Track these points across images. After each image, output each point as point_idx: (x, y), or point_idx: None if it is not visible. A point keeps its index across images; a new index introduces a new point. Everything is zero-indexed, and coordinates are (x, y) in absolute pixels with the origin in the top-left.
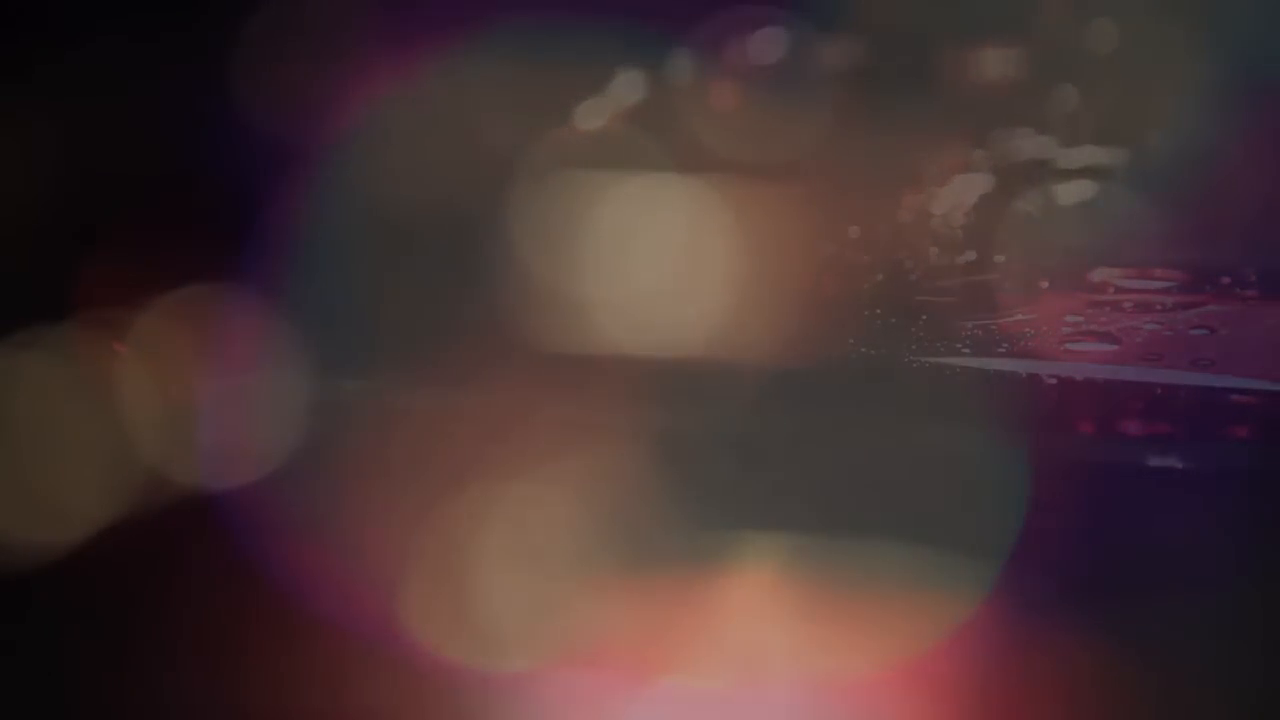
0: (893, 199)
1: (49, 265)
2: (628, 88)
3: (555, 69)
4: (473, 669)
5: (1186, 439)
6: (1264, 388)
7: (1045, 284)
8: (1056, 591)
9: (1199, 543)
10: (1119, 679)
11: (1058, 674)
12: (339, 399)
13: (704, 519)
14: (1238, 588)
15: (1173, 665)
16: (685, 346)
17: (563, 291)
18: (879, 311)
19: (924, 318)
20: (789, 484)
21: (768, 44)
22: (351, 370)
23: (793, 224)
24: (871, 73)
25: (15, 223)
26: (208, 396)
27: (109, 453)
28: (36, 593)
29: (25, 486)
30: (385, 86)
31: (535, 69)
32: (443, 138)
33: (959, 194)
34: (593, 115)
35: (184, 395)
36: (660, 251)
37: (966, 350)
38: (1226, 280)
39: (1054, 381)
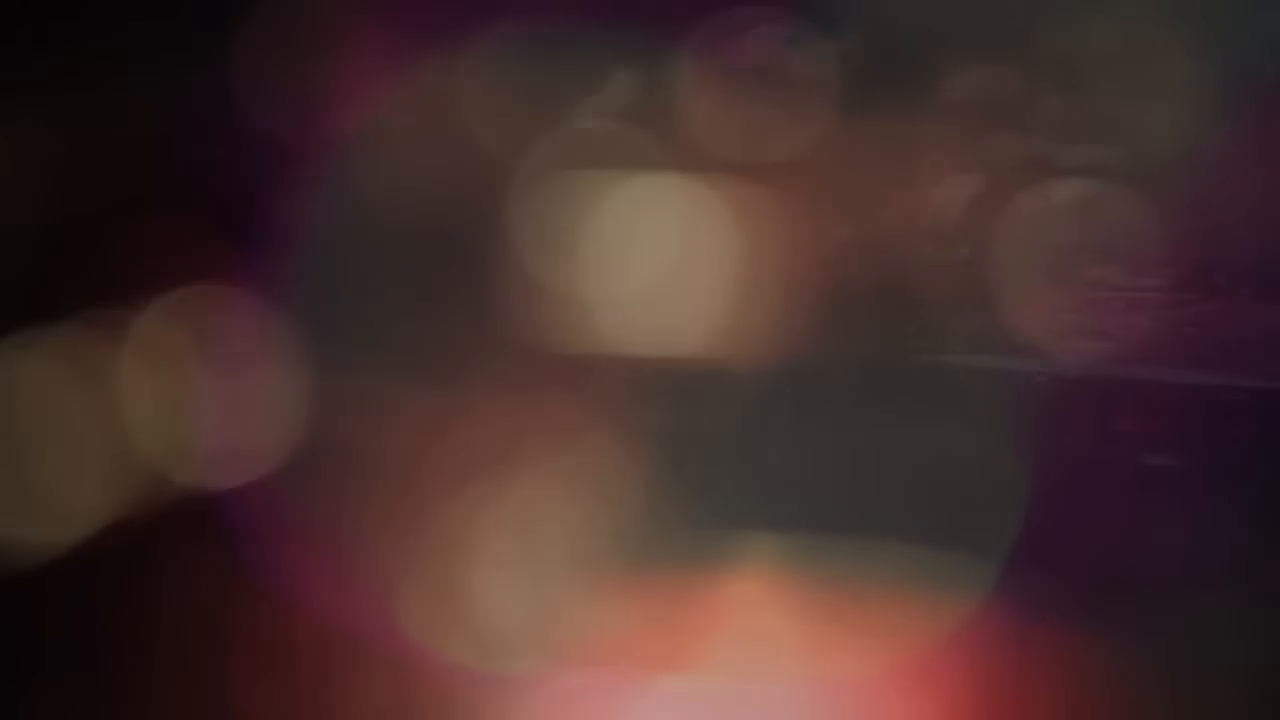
0: (891, 197)
1: (48, 265)
2: (626, 86)
3: (554, 67)
4: (473, 669)
5: (1184, 437)
6: (1258, 385)
7: (1042, 281)
8: (1056, 591)
9: (1198, 541)
10: (1118, 678)
11: (1057, 673)
12: (338, 398)
13: (704, 519)
14: (1235, 586)
15: (1172, 664)
16: (684, 346)
17: (562, 291)
18: (878, 310)
19: (922, 316)
20: (788, 483)
21: (764, 42)
22: (350, 369)
23: (790, 222)
24: (867, 71)
25: (14, 223)
26: (207, 396)
27: (109, 453)
28: (36, 593)
29: (25, 486)
30: (384, 85)
31: (533, 67)
32: (441, 137)
33: (956, 191)
34: (591, 114)
35: (184, 395)
36: (658, 251)
37: (966, 348)
38: (1219, 278)
39: (1054, 378)
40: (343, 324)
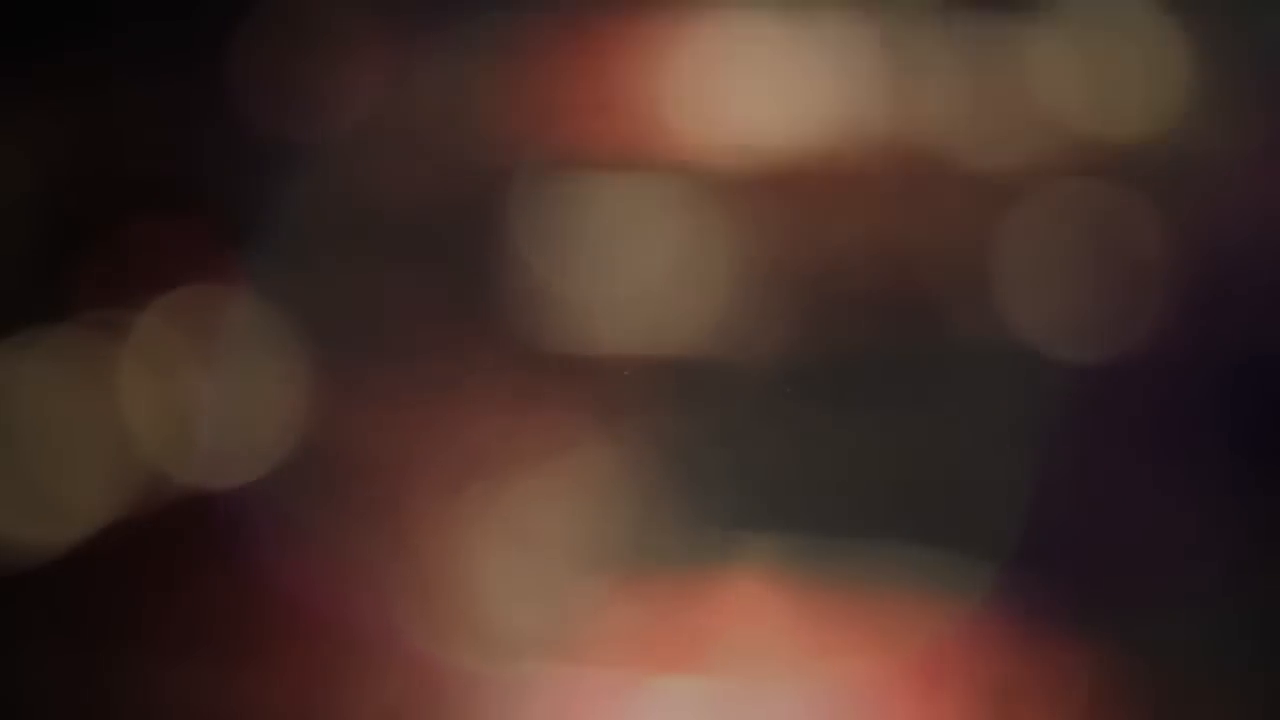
0: (893, 193)
1: (49, 266)
2: (625, 84)
3: (553, 66)
4: (473, 669)
5: (1187, 437)
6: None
7: (1046, 278)
8: (1056, 591)
9: (1200, 541)
10: (1119, 679)
11: (1057, 673)
12: (337, 398)
13: (704, 519)
14: (1236, 587)
15: (1172, 665)
16: (684, 347)
17: (561, 291)
18: (878, 309)
19: (922, 315)
20: (788, 483)
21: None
22: (349, 370)
23: (789, 220)
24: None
25: (14, 223)
26: (207, 396)
27: (109, 453)
28: (36, 593)
29: (25, 486)
30: (383, 84)
31: (532, 66)
32: (440, 136)
33: (957, 188)
34: (589, 112)
35: (183, 395)
36: (657, 250)
37: (967, 347)
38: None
39: (1056, 377)
40: (342, 324)
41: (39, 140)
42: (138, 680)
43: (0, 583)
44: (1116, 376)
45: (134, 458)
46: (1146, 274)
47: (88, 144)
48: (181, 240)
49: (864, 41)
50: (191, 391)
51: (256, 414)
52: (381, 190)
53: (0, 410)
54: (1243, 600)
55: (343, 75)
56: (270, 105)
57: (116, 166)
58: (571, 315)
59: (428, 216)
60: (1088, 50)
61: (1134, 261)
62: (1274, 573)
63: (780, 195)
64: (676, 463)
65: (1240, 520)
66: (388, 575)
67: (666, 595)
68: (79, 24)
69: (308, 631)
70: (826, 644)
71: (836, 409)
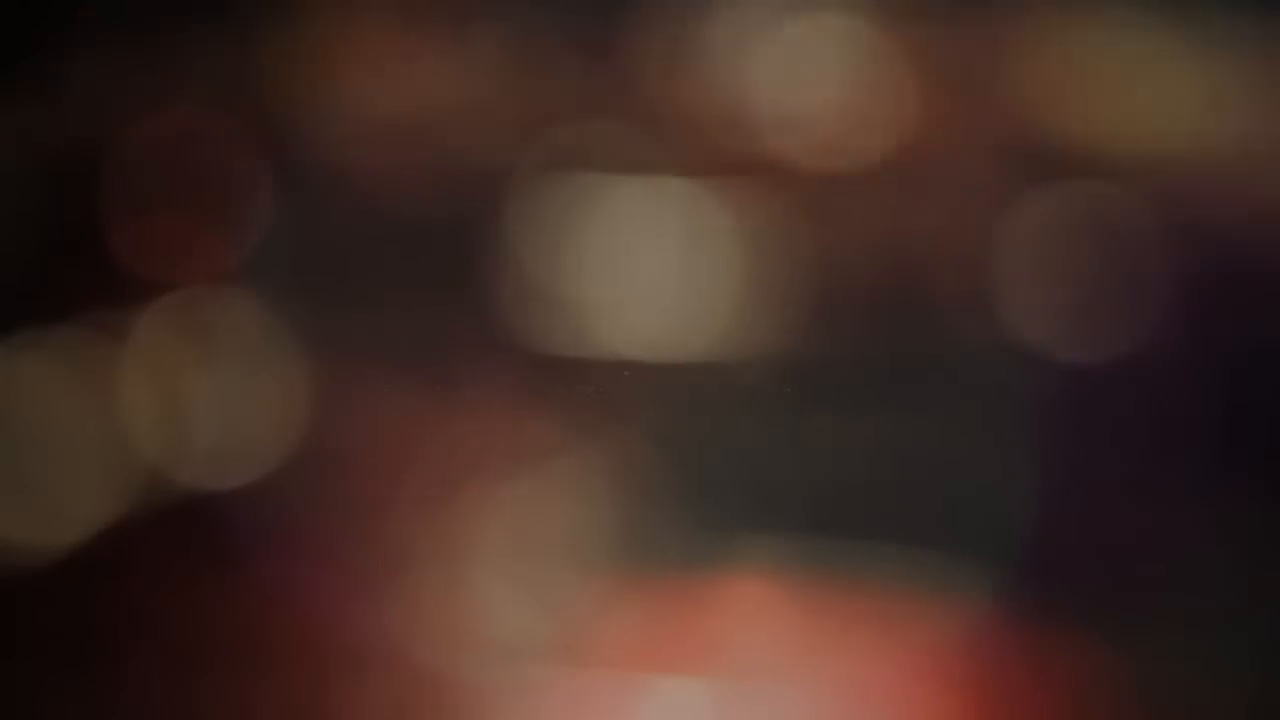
0: (892, 195)
1: (48, 266)
2: (624, 82)
3: (552, 64)
4: (472, 670)
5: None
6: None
7: (1045, 280)
8: (1057, 591)
9: (1200, 541)
10: (1119, 679)
11: (1057, 674)
12: (336, 399)
13: (704, 519)
14: (1237, 587)
15: (1173, 666)
16: (684, 347)
17: (561, 292)
18: (878, 310)
19: (923, 315)
20: (788, 484)
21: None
22: (349, 370)
23: (789, 221)
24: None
25: (14, 223)
26: (206, 397)
27: (108, 453)
28: (36, 593)
29: (25, 487)
30: (383, 84)
31: (531, 64)
32: (440, 136)
33: (958, 189)
34: (589, 112)
35: (183, 396)
36: (657, 252)
37: (967, 348)
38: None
39: (1056, 377)
40: (341, 325)
41: (39, 140)
42: (137, 682)
43: (0, 584)
44: (1116, 377)
45: (133, 459)
46: (1145, 274)
47: (88, 144)
48: (181, 240)
49: (864, 42)
50: (191, 392)
51: (256, 414)
52: (382, 191)
53: (1, 411)
54: (1242, 600)
55: (343, 76)
56: (271, 105)
57: (117, 167)
58: (571, 316)
59: (428, 217)
60: (1084, 51)
61: (1133, 262)
62: (1274, 573)
63: (782, 196)
64: (676, 464)
65: (1240, 520)
66: (387, 576)
67: (666, 596)
68: (78, 24)
69: (307, 633)
70: (826, 645)
71: (837, 409)
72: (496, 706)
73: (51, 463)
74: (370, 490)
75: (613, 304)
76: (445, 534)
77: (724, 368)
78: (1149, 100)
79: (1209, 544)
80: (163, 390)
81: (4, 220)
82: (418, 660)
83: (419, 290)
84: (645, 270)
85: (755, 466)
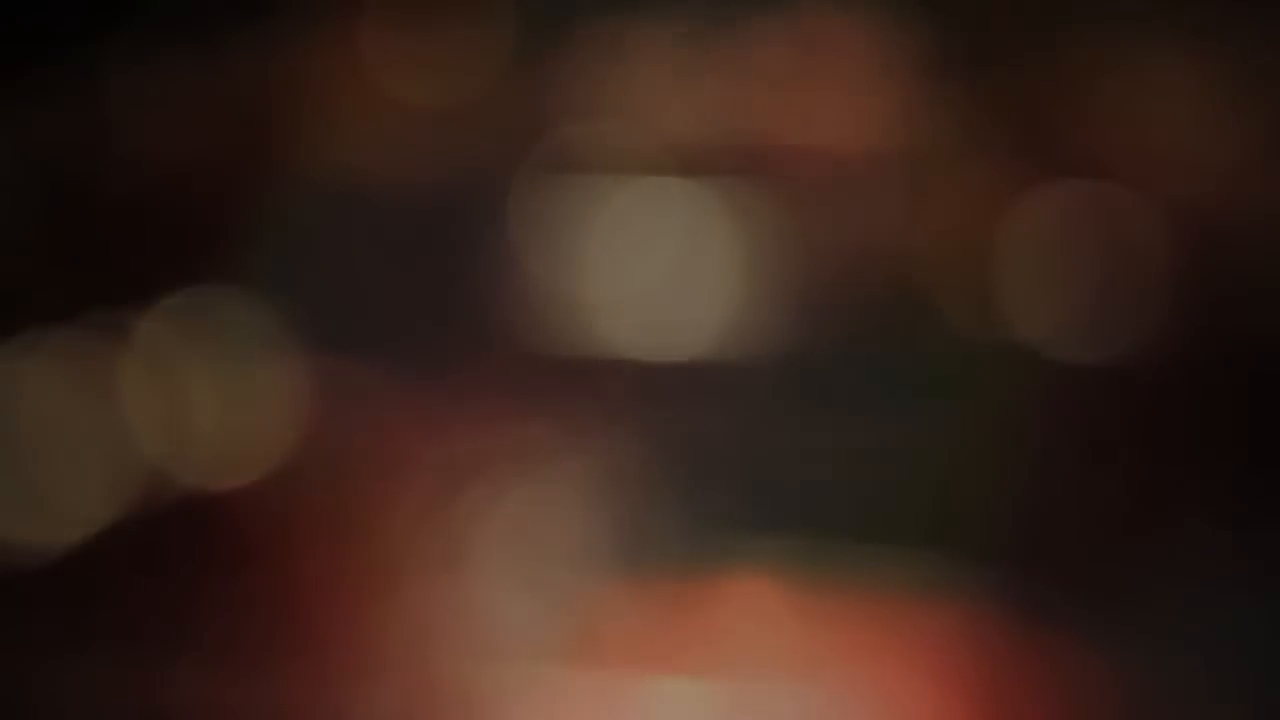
0: (893, 194)
1: (49, 267)
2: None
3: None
4: (473, 669)
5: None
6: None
7: (1047, 279)
8: (1057, 591)
9: (1200, 541)
10: (1117, 679)
11: (1057, 674)
12: (337, 399)
13: (704, 519)
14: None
15: (1173, 666)
16: (684, 347)
17: (562, 292)
18: (879, 310)
19: (923, 316)
20: (788, 483)
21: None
22: (349, 370)
23: (791, 221)
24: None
25: (14, 223)
26: (207, 397)
27: (110, 454)
28: (37, 593)
29: (27, 487)
30: (381, 85)
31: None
32: (441, 136)
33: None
34: (591, 114)
35: (184, 396)
36: (658, 252)
37: (968, 348)
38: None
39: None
40: (342, 325)
41: (39, 140)
42: (138, 680)
43: (0, 583)
44: (1116, 377)
45: (134, 459)
46: (1146, 275)
47: (88, 144)
48: (182, 240)
49: (863, 43)
50: (191, 392)
51: (256, 414)
52: (382, 192)
53: (1, 411)
54: (1242, 600)
55: (344, 77)
56: (271, 106)
57: (116, 167)
58: (572, 315)
59: (429, 217)
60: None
61: (1133, 262)
62: (1274, 573)
63: (782, 196)
64: (676, 464)
65: (1240, 520)
66: (387, 575)
67: (666, 596)
68: (78, 24)
69: (308, 633)
70: (826, 644)
71: (836, 409)
72: (497, 706)
73: (52, 463)
74: (370, 490)
75: (613, 304)
76: (445, 533)
77: (724, 368)
78: (1149, 100)
79: (1210, 545)
80: (163, 390)
81: (4, 221)
82: (418, 659)
83: (419, 290)
84: (645, 270)
85: (755, 466)
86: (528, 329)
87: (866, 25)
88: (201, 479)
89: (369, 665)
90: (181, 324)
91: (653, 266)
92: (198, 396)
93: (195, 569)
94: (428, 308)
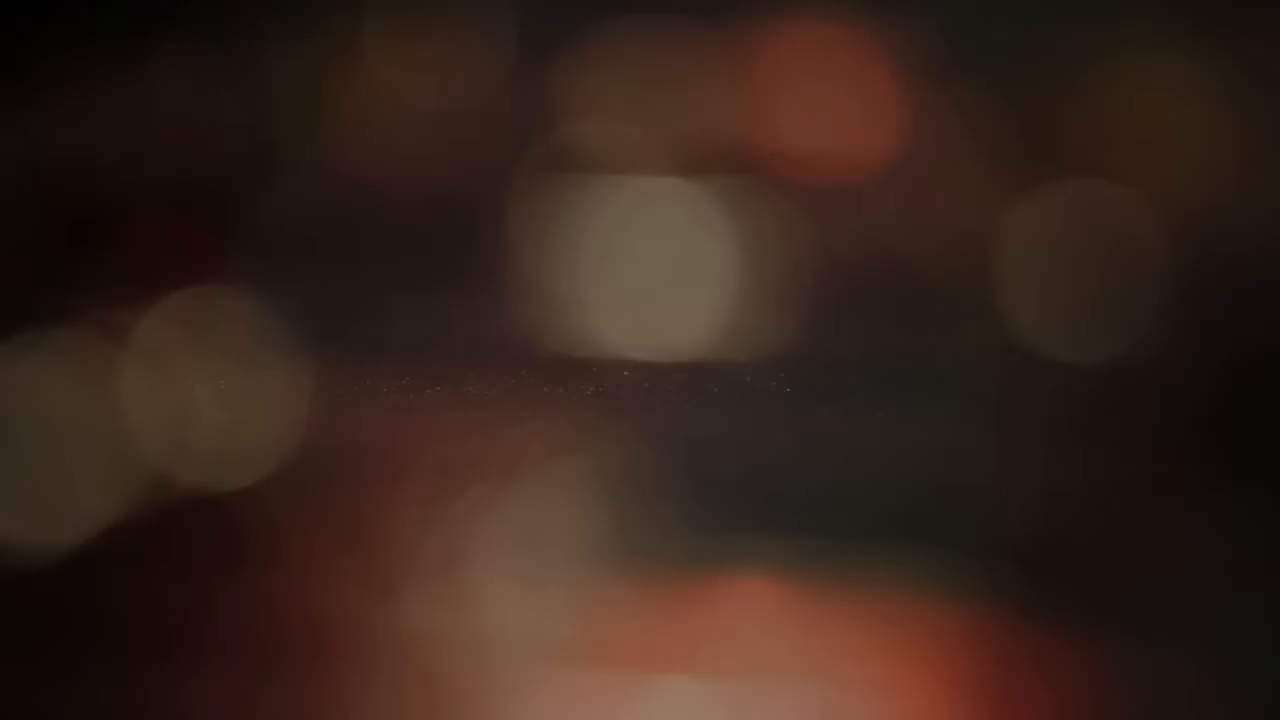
0: (894, 195)
1: (48, 265)
2: (625, 82)
3: (554, 63)
4: (474, 669)
5: (1188, 436)
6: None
7: (1047, 281)
8: (1057, 591)
9: (1201, 541)
10: (1118, 678)
11: (1057, 673)
12: (338, 399)
13: (704, 519)
14: (1238, 586)
15: (1173, 666)
16: (685, 347)
17: (563, 293)
18: (880, 310)
19: (924, 316)
20: (788, 484)
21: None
22: (350, 370)
23: (791, 222)
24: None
25: (14, 223)
26: (208, 397)
27: (110, 453)
28: (37, 593)
29: (27, 487)
30: (381, 86)
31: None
32: (441, 137)
33: (961, 191)
34: (587, 112)
35: (184, 396)
36: (659, 252)
37: (968, 348)
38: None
39: (1057, 378)
40: (343, 325)
41: (39, 140)
42: (138, 681)
43: (1, 583)
44: (1116, 377)
45: (134, 459)
46: (1146, 275)
47: (88, 144)
48: (181, 240)
49: (864, 45)
50: (192, 392)
51: (256, 414)
52: (382, 191)
53: (1, 411)
54: (1242, 600)
55: (344, 78)
56: (271, 107)
57: (117, 166)
58: (571, 316)
59: (429, 217)
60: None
61: (1133, 262)
62: (1274, 573)
63: (782, 196)
64: (676, 464)
65: (1241, 520)
66: (388, 575)
67: (668, 596)
68: (78, 24)
69: (308, 632)
70: (827, 644)
71: (837, 409)
72: (498, 706)
73: (52, 463)
74: (370, 490)
75: (613, 304)
76: (446, 533)
77: (724, 368)
78: (1149, 101)
79: (1210, 544)
80: (163, 390)
81: (5, 221)
82: (419, 659)
83: (419, 290)
84: (645, 270)
85: (755, 466)
86: (528, 329)
87: (867, 27)
88: (201, 479)
89: (369, 665)
90: (181, 324)
91: (653, 266)
92: (198, 396)
93: (195, 569)
94: (428, 308)
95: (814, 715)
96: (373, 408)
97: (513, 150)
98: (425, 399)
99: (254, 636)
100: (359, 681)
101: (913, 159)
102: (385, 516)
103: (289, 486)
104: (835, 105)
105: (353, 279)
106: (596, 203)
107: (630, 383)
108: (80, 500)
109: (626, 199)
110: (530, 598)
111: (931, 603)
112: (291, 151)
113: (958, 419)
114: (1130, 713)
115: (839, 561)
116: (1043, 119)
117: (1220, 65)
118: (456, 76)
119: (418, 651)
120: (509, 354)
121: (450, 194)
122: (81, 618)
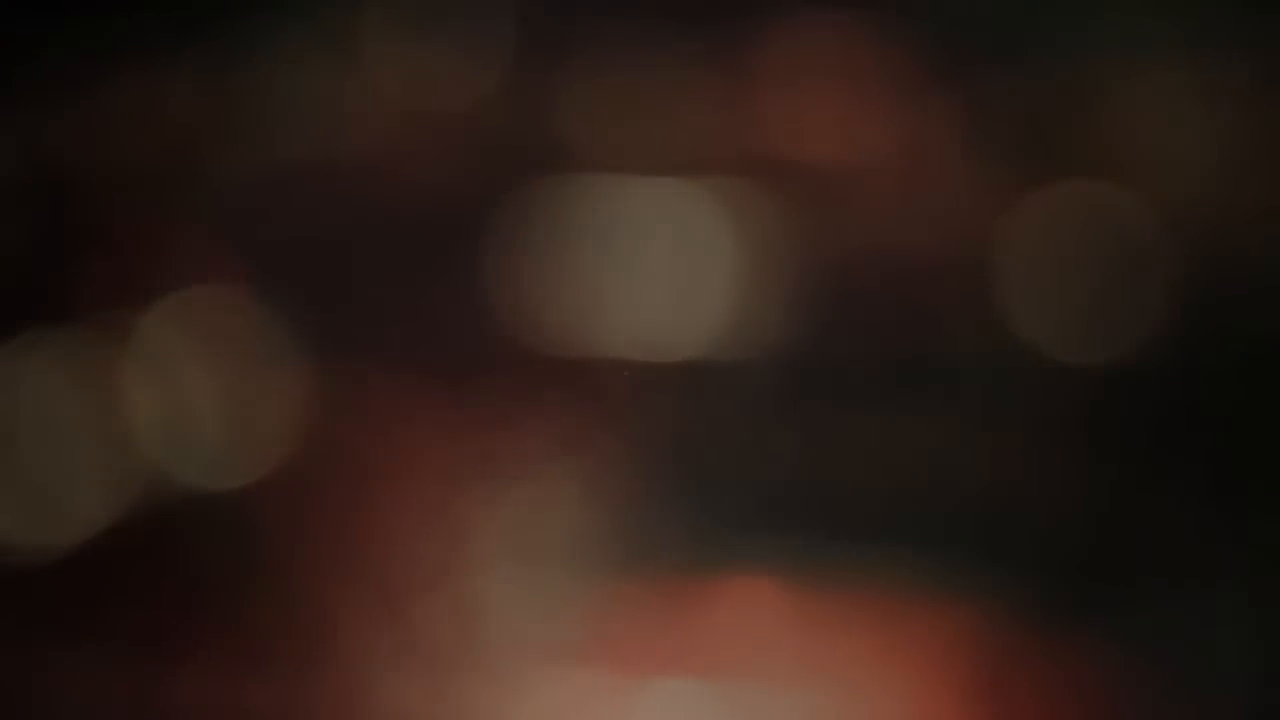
0: (894, 196)
1: (50, 267)
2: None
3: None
4: (473, 669)
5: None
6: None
7: (1045, 281)
8: (1057, 591)
9: (1201, 541)
10: (1118, 679)
11: (1058, 674)
12: (338, 399)
13: (704, 519)
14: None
15: (1173, 666)
16: (685, 347)
17: (562, 292)
18: (880, 310)
19: (924, 315)
20: (788, 484)
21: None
22: (350, 371)
23: (791, 221)
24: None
25: (14, 223)
26: (208, 397)
27: (111, 454)
28: (38, 593)
29: (27, 487)
30: (381, 86)
31: (534, 63)
32: (440, 135)
33: (961, 190)
34: (587, 111)
35: (185, 396)
36: (658, 252)
37: (968, 348)
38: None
39: (1055, 378)
40: (343, 325)
41: (39, 140)
42: (138, 681)
43: (1, 583)
44: (1116, 377)
45: (135, 459)
46: (1146, 275)
47: (88, 144)
48: (181, 240)
49: (864, 44)
50: (192, 392)
51: (257, 414)
52: (382, 191)
53: (1, 411)
54: (1242, 600)
55: (343, 77)
56: (270, 106)
57: (116, 166)
58: (571, 316)
59: (428, 217)
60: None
61: (1133, 263)
62: (1273, 573)
63: (782, 196)
64: (676, 464)
65: (1240, 520)
66: (388, 575)
67: (667, 597)
68: (77, 24)
69: (307, 633)
70: (827, 645)
71: (837, 409)
72: (498, 706)
73: (53, 463)
74: (371, 490)
75: (613, 304)
76: (445, 534)
77: (724, 368)
78: (1149, 101)
79: (1210, 544)
80: (164, 390)
81: (4, 222)
82: (419, 660)
83: (419, 290)
84: (645, 270)
85: (755, 466)
86: (528, 329)
87: (867, 27)
88: (201, 479)
89: (370, 665)
90: (181, 324)
91: (653, 266)
92: (198, 396)
93: (195, 569)
94: (428, 308)
95: (814, 716)
96: (373, 408)
97: (512, 150)
98: (425, 399)
99: (254, 637)
100: (359, 682)
101: (913, 159)
102: (385, 516)
103: (289, 486)
104: (835, 105)
105: (352, 279)
106: (596, 203)
107: (630, 383)
108: (80, 500)
109: (626, 199)
110: (530, 598)
111: (932, 604)
112: (291, 152)
113: (958, 419)
114: (1130, 713)
115: (839, 562)
116: (1043, 119)
117: (1222, 66)
118: (456, 77)
119: (418, 651)
120: (509, 354)
121: (450, 194)
122: (81, 618)
